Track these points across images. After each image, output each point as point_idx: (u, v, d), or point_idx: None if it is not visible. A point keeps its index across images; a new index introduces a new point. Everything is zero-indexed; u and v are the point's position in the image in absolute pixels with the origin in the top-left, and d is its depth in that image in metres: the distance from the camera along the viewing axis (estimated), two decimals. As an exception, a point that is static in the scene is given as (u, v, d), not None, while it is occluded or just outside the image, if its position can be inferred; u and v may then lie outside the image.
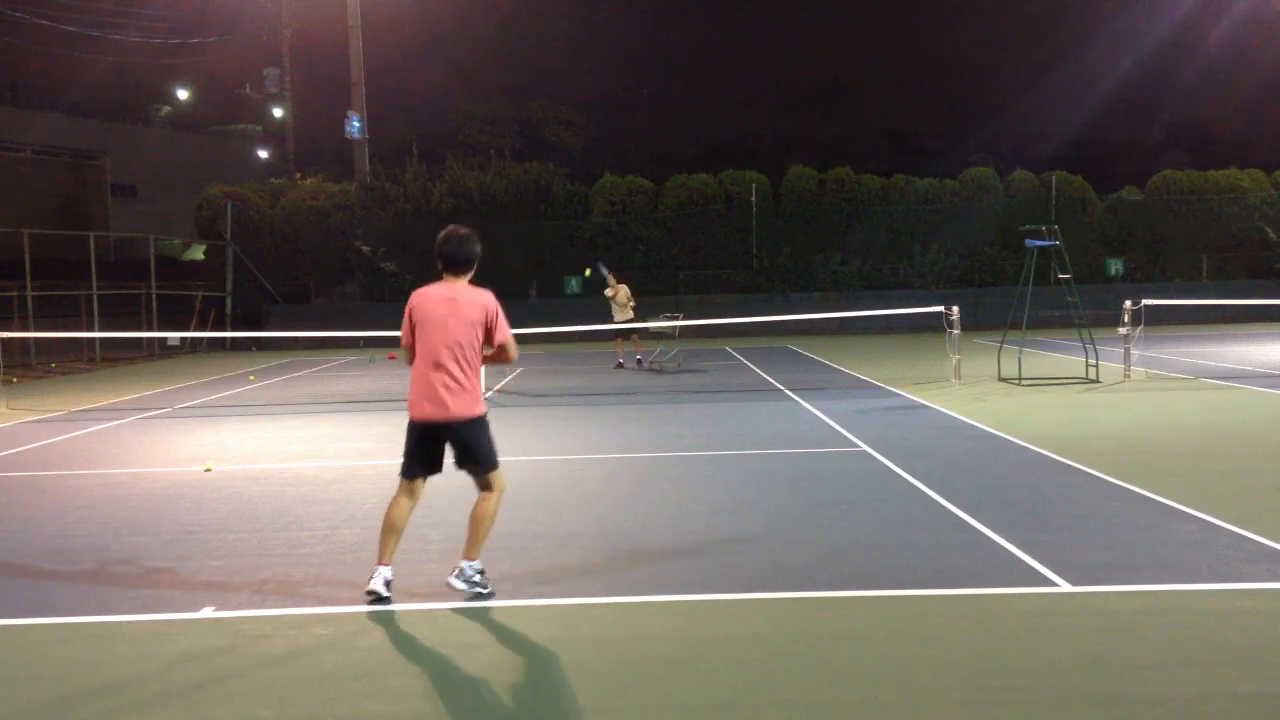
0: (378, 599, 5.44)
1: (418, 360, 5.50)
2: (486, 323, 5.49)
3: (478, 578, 5.54)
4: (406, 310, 5.56)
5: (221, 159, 49.28)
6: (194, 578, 6.10)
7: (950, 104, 51.42)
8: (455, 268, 5.54)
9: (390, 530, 5.54)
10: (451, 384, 5.40)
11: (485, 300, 5.53)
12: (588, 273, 19.81)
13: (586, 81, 50.96)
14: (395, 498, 5.61)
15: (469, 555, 5.55)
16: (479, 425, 5.51)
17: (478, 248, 5.62)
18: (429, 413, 5.44)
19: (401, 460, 5.62)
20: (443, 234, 5.60)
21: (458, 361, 5.41)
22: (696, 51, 56.42)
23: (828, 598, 5.49)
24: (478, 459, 5.53)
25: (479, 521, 5.53)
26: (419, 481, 5.63)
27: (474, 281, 5.65)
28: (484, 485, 5.60)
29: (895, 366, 17.75)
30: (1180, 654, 4.62)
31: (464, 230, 5.62)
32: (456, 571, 5.54)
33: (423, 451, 5.54)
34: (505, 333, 5.59)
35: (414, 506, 5.66)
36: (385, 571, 5.50)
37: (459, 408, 5.42)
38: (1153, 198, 30.61)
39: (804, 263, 29.42)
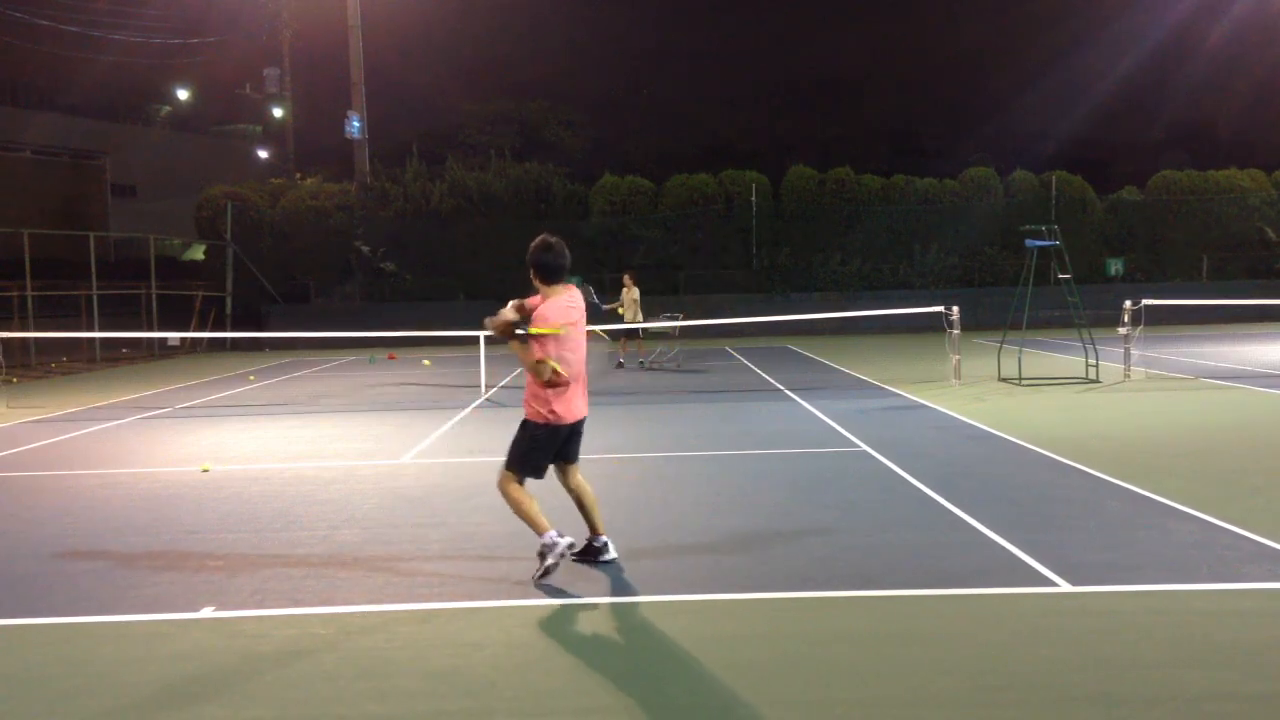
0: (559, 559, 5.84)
1: (569, 367, 5.82)
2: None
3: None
4: (561, 320, 5.78)
5: (221, 159, 49.33)
6: (194, 578, 6.11)
7: (950, 104, 51.43)
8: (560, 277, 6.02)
9: (532, 507, 5.86)
10: (585, 386, 6.10)
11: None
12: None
13: (586, 81, 51.00)
14: (519, 491, 5.90)
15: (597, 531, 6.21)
16: None
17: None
18: (580, 411, 6.00)
19: (526, 465, 5.93)
20: (545, 243, 6.02)
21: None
22: (696, 51, 56.45)
23: (828, 598, 5.50)
24: (578, 446, 6.19)
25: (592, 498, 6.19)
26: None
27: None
28: (575, 471, 6.17)
29: (895, 366, 17.74)
30: (1180, 654, 4.62)
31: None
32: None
33: (554, 450, 5.98)
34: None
35: None
36: (554, 534, 5.83)
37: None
38: (1153, 198, 30.61)
39: (804, 263, 29.40)
